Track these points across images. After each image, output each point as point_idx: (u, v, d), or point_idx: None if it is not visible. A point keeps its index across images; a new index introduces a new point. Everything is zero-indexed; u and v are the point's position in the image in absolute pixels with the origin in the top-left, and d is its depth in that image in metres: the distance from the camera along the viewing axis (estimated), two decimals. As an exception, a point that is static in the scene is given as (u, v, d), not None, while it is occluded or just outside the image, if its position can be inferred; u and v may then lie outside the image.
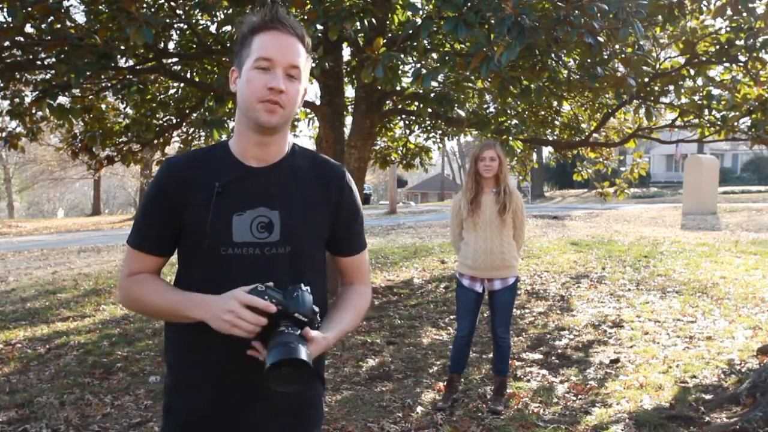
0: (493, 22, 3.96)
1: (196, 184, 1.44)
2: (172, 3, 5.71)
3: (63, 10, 4.59)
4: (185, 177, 1.45)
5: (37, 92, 5.10)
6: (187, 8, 5.86)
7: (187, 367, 1.50)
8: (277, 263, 1.44)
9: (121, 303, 1.57)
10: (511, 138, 6.63)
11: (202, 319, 1.36)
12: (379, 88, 6.39)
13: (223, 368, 1.45)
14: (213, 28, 6.45)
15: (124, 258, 1.54)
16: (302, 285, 1.36)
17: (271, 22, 1.40)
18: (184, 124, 7.59)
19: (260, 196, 1.44)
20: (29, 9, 4.30)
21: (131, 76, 5.79)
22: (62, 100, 5.44)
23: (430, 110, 6.01)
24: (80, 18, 29.10)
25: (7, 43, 4.86)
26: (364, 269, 1.61)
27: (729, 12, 4.86)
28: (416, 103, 7.05)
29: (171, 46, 6.49)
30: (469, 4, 4.02)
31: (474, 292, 4.04)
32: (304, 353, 1.23)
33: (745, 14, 4.98)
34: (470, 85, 6.34)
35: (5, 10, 4.34)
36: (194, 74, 6.87)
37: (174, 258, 1.55)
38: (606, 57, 4.73)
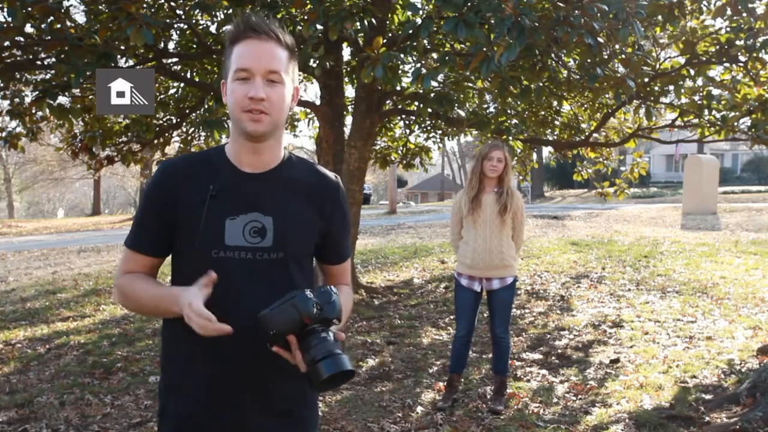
0: (493, 22, 3.96)
1: (191, 185, 1.45)
2: (172, 3, 5.71)
3: (63, 10, 4.58)
4: (181, 177, 1.47)
5: (37, 92, 5.10)
6: (187, 8, 5.85)
7: (180, 369, 1.50)
8: (268, 268, 1.45)
9: (114, 300, 1.61)
10: (511, 138, 6.63)
11: (178, 313, 1.36)
12: (379, 88, 6.38)
13: (216, 371, 1.45)
14: (213, 28, 6.45)
15: (120, 259, 1.56)
16: (331, 288, 1.39)
17: (245, 31, 1.41)
18: (184, 124, 7.59)
19: (254, 201, 1.45)
20: (29, 9, 4.29)
21: (131, 76, 5.79)
22: (62, 100, 5.43)
23: (430, 110, 6.01)
24: (80, 18, 29.02)
25: (7, 43, 4.86)
26: (348, 272, 1.69)
27: (729, 12, 4.86)
28: (416, 103, 7.04)
29: (171, 46, 6.49)
30: (469, 4, 4.02)
31: (472, 291, 4.05)
32: (349, 362, 1.31)
33: (745, 14, 4.98)
34: (470, 85, 6.33)
35: (5, 10, 4.33)
36: (194, 74, 6.87)
37: (169, 260, 1.56)
38: (606, 57, 4.73)
